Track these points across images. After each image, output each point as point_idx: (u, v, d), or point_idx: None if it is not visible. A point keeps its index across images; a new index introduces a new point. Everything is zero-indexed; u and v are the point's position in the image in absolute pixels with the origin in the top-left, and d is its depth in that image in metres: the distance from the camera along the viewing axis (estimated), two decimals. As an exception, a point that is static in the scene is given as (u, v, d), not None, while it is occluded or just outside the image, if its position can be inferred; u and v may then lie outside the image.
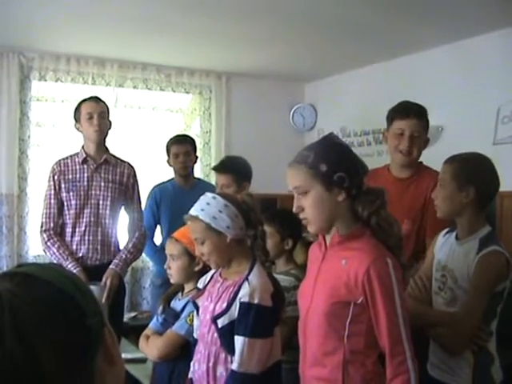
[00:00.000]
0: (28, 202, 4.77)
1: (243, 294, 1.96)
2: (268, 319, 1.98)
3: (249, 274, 2.01)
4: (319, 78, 5.72)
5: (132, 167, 3.48)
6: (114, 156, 3.47)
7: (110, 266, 3.26)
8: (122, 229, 3.49)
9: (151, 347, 2.43)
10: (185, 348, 2.33)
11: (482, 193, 2.10)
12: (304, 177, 1.71)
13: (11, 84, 4.66)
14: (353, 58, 4.99)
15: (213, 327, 2.02)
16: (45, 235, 3.30)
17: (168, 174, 4.29)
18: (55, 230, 3.31)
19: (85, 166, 3.35)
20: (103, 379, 0.78)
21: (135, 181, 3.47)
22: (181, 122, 5.52)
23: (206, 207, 2.06)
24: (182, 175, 4.03)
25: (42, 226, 3.33)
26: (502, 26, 3.99)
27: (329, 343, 1.74)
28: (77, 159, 3.36)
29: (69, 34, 4.32)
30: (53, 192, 3.33)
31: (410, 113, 2.68)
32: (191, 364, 2.19)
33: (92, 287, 2.78)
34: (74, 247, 3.30)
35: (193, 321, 2.29)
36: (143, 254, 3.86)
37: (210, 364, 2.03)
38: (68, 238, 3.31)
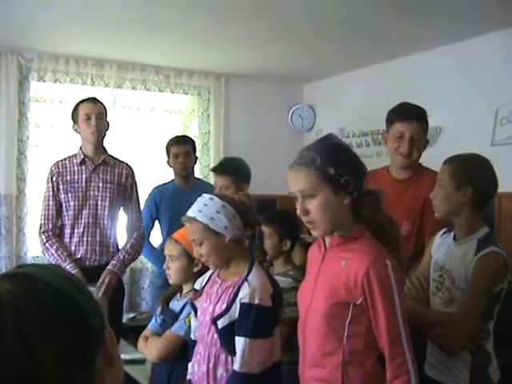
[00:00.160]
0: (27, 203, 4.77)
1: (243, 295, 1.96)
2: (268, 319, 1.99)
3: (248, 275, 2.01)
4: (318, 78, 5.73)
5: (130, 168, 3.48)
6: (112, 157, 3.47)
7: (108, 267, 3.26)
8: (120, 229, 3.49)
9: (150, 348, 2.43)
10: (184, 349, 2.33)
11: (479, 193, 2.10)
12: (311, 180, 1.69)
13: (10, 85, 4.66)
14: (351, 59, 4.99)
15: (213, 328, 2.03)
16: (43, 236, 3.30)
17: (166, 174, 4.29)
18: (54, 232, 3.32)
19: (83, 167, 3.35)
20: (103, 380, 0.78)
21: (133, 181, 3.47)
22: (179, 123, 5.53)
23: (203, 208, 2.06)
24: (181, 176, 4.03)
25: (40, 228, 3.33)
26: (502, 27, 4.00)
27: (328, 344, 1.74)
28: (75, 160, 3.36)
29: (68, 34, 4.32)
30: (51, 193, 3.33)
31: (411, 115, 2.67)
32: (189, 365, 2.19)
33: (91, 288, 2.78)
34: (73, 248, 3.30)
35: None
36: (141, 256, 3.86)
37: (211, 365, 2.03)
38: (67, 239, 3.31)
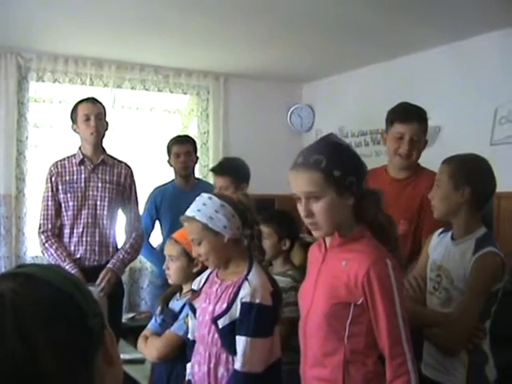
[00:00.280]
0: (26, 203, 4.77)
1: (244, 294, 1.97)
2: (268, 318, 1.99)
3: (248, 274, 2.02)
4: (317, 78, 5.73)
5: (129, 167, 3.48)
6: (111, 156, 3.47)
7: (107, 266, 3.26)
8: (119, 229, 3.49)
9: (150, 348, 2.43)
10: (183, 348, 2.33)
11: (478, 193, 2.10)
12: (317, 182, 1.67)
13: (9, 85, 4.66)
14: (351, 59, 4.99)
15: (213, 328, 2.03)
16: (43, 236, 3.30)
17: (165, 174, 4.29)
18: (53, 232, 3.32)
19: (82, 167, 3.35)
20: (102, 380, 0.78)
21: (132, 181, 3.47)
22: (178, 123, 5.53)
23: (202, 208, 2.07)
24: (182, 175, 4.03)
25: (39, 228, 3.33)
26: (501, 27, 4.00)
27: (329, 344, 1.74)
28: (74, 160, 3.37)
29: (67, 34, 4.32)
30: (50, 193, 3.33)
31: (411, 116, 2.66)
32: (189, 366, 2.20)
33: (91, 288, 2.78)
34: (72, 248, 3.30)
35: (191, 322, 2.30)
36: (141, 256, 3.86)
37: (211, 365, 2.03)
38: (66, 239, 3.32)
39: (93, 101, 3.38)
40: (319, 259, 1.83)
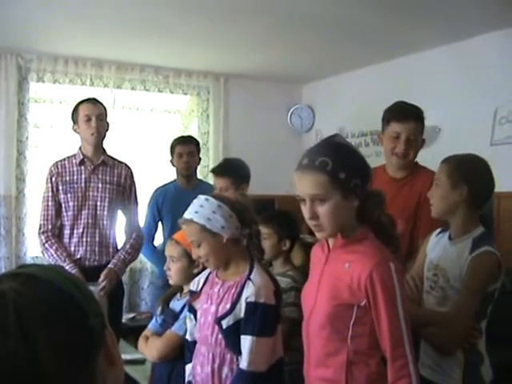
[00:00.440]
0: (26, 204, 4.78)
1: (249, 294, 1.97)
2: (272, 317, 2.00)
3: (250, 274, 2.02)
4: (317, 79, 5.73)
5: (129, 168, 3.49)
6: (111, 157, 3.47)
7: (109, 266, 3.27)
8: (119, 230, 3.49)
9: (150, 348, 2.43)
10: (184, 348, 2.33)
11: (476, 193, 2.10)
12: (323, 185, 1.66)
13: (9, 85, 4.67)
14: (350, 59, 5.00)
15: (216, 329, 2.03)
16: (43, 237, 3.31)
17: (166, 174, 4.30)
18: (53, 232, 3.32)
19: (82, 168, 3.35)
20: (104, 380, 0.78)
21: (132, 181, 3.47)
22: (179, 124, 5.53)
23: (199, 209, 2.07)
24: (184, 175, 4.04)
25: (40, 228, 3.33)
26: (500, 27, 4.00)
27: (332, 344, 1.74)
28: (74, 161, 3.37)
29: (67, 35, 4.32)
30: (50, 194, 3.33)
31: (407, 115, 2.66)
32: (188, 367, 2.19)
33: (92, 288, 2.79)
34: (72, 249, 3.31)
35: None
36: (142, 256, 3.86)
37: (215, 365, 2.03)
38: (66, 240, 3.32)
39: (94, 101, 3.39)
40: (322, 260, 1.83)
